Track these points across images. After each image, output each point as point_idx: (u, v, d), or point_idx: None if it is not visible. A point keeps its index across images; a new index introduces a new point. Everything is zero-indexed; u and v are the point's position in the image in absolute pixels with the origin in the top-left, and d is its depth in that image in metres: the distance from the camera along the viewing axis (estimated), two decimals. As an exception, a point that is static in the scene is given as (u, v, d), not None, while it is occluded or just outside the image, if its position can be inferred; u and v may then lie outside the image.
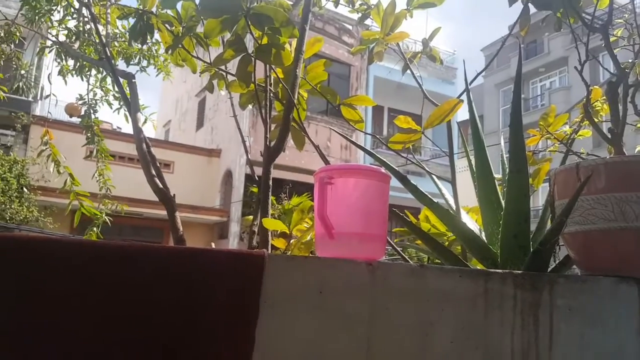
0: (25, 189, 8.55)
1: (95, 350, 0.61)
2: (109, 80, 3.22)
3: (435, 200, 1.23)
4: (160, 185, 1.54)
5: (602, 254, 0.98)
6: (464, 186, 1.56)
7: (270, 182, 1.44)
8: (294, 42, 1.49)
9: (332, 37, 13.43)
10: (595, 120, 1.69)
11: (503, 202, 1.21)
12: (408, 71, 1.93)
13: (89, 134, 3.20)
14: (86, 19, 2.81)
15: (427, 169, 1.65)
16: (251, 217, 1.73)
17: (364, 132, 1.83)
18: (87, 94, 3.25)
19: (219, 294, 0.67)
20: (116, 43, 2.97)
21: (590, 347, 0.87)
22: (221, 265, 0.69)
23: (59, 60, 3.03)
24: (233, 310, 0.68)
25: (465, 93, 1.42)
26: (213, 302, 0.67)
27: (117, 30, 2.93)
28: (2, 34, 3.05)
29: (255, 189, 1.70)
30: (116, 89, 3.17)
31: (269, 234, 1.42)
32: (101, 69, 3.07)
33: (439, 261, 1.40)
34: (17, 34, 3.11)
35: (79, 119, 3.31)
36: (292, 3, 1.82)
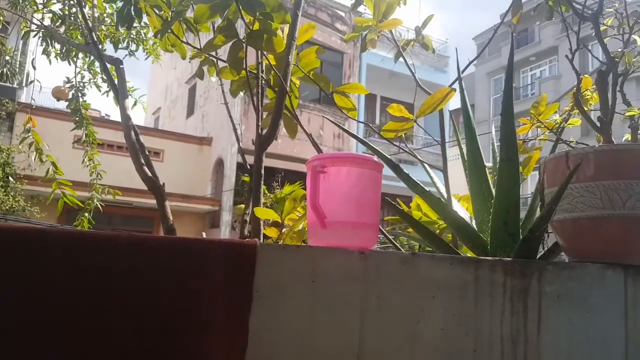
0: (10, 178, 8.42)
1: (86, 339, 0.61)
2: (97, 63, 3.16)
3: (426, 188, 1.24)
4: (149, 174, 1.53)
5: (590, 241, 0.99)
6: (455, 174, 1.57)
7: (262, 171, 1.44)
8: (286, 28, 1.47)
9: (324, 24, 13.31)
10: (585, 109, 1.71)
11: (494, 190, 1.22)
12: (401, 59, 1.92)
13: (76, 118, 3.15)
14: (72, 2, 2.74)
15: (419, 157, 1.65)
16: (243, 206, 1.72)
17: (356, 121, 1.83)
18: (75, 76, 3.19)
19: (211, 284, 0.67)
20: (103, 27, 2.90)
21: (577, 333, 0.89)
22: (212, 255, 0.69)
23: (44, 44, 2.96)
24: (226, 300, 0.68)
25: (457, 81, 1.42)
26: (205, 292, 0.67)
27: (104, 13, 2.87)
28: (-16, 19, 2.97)
29: (247, 178, 1.69)
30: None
31: (261, 223, 1.42)
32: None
33: (430, 249, 1.41)
34: (1, 18, 3.03)
35: (67, 102, 3.25)
36: (283, -11, 1.80)
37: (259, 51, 1.55)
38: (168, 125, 16.29)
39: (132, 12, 1.64)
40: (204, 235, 5.85)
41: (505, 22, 1.81)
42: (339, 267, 0.77)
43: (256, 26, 1.39)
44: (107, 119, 12.12)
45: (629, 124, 1.69)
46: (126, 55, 3.11)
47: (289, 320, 0.74)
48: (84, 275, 0.62)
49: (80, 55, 3.11)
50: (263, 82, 1.63)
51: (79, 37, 2.92)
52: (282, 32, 1.49)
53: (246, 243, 0.72)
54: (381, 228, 1.22)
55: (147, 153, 1.63)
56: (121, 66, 1.93)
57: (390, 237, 1.53)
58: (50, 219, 9.11)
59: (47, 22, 2.99)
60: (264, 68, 1.65)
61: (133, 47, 3.13)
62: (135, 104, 3.35)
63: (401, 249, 1.59)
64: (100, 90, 3.29)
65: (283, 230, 1.54)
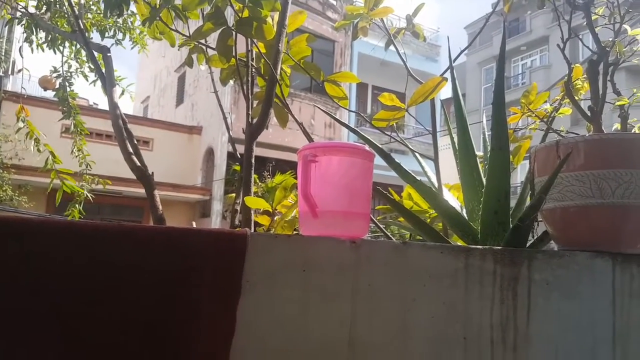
0: (-2, 167, 8.30)
1: (74, 327, 0.60)
2: (84, 52, 3.10)
3: (418, 178, 1.24)
4: (138, 163, 1.51)
5: (579, 229, 1.00)
6: (446, 164, 1.57)
7: (253, 160, 1.42)
8: (276, 15, 1.45)
9: (315, 12, 13.19)
10: (576, 98, 1.71)
11: (484, 180, 1.22)
12: (392, 48, 1.91)
13: (64, 108, 3.10)
14: (57, -12, 2.68)
15: (410, 147, 1.65)
16: (234, 195, 1.71)
17: (348, 110, 1.82)
18: (62, 66, 3.14)
19: (200, 274, 0.67)
20: (89, 15, 2.85)
21: (566, 320, 0.90)
22: (202, 245, 0.68)
23: (28, 32, 2.89)
24: (215, 290, 0.67)
25: (449, 71, 1.41)
26: (194, 282, 0.66)
27: (90, 1, 2.81)
28: (-34, 4, 2.89)
29: (237, 167, 1.68)
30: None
31: (252, 212, 1.41)
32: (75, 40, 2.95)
33: (421, 238, 1.42)
34: (-17, 4, 2.96)
35: (54, 92, 3.20)
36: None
37: (249, 39, 1.53)
38: (157, 114, 16.11)
39: (120, -2, 1.60)
40: (194, 224, 5.83)
41: (497, 11, 1.80)
42: (330, 256, 0.77)
43: (245, 13, 1.36)
44: (96, 108, 11.94)
45: (619, 113, 1.70)
46: (113, 44, 3.05)
47: (280, 309, 0.74)
48: (71, 265, 0.61)
49: (67, 44, 3.05)
50: (253, 70, 1.61)
51: (65, 25, 2.85)
52: (272, 19, 1.47)
53: (237, 233, 0.72)
54: (372, 217, 1.22)
55: (136, 142, 1.61)
56: (108, 54, 1.89)
57: (381, 226, 1.53)
58: (39, 209, 9.02)
59: (32, 9, 2.92)
60: (254, 56, 1.63)
61: (120, 36, 3.08)
62: (122, 93, 3.30)
63: (392, 238, 1.60)
64: (87, 80, 3.24)
65: (275, 218, 1.53)
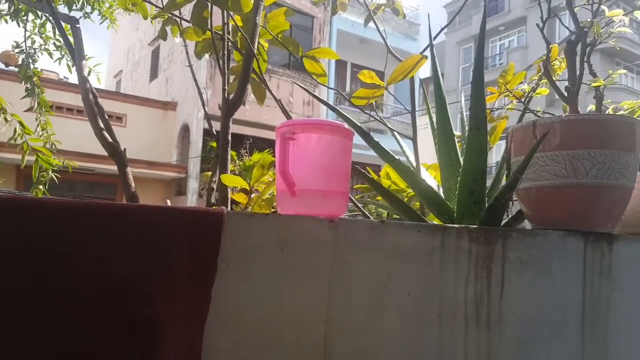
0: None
1: (43, 310, 0.58)
2: (49, 26, 2.93)
3: (396, 157, 1.23)
4: (110, 139, 1.46)
5: (553, 209, 1.02)
6: (424, 143, 1.57)
7: (230, 137, 1.39)
8: (254, -13, 1.40)
9: (293, -14, 12.88)
10: (553, 78, 1.73)
11: (461, 159, 1.23)
12: (371, 25, 1.88)
13: (28, 85, 2.94)
14: (20, -47, 2.51)
15: (389, 125, 1.64)
16: (210, 173, 1.68)
17: (327, 87, 1.79)
18: (25, 41, 2.96)
19: (175, 253, 0.65)
20: (56, -16, 2.69)
21: (538, 297, 0.92)
22: (177, 224, 0.66)
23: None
24: (190, 270, 0.66)
25: (428, 49, 1.40)
26: (168, 262, 0.64)
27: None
28: None
29: (214, 144, 1.64)
30: (57, 36, 2.90)
31: (229, 190, 1.39)
32: (40, 13, 2.79)
33: (398, 217, 1.43)
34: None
35: (17, 69, 3.03)
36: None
37: (225, 11, 1.47)
38: (130, 89, 15.63)
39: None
40: (169, 202, 5.75)
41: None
42: (308, 235, 0.76)
43: (222, -17, 1.31)
44: (66, 82, 11.47)
45: (594, 94, 1.72)
46: (81, 16, 2.90)
47: (257, 288, 0.73)
48: (37, 243, 0.59)
49: (31, 17, 2.87)
50: (229, 44, 1.56)
51: (29, -7, 2.68)
52: (250, -10, 1.41)
53: (212, 211, 0.70)
54: (351, 196, 1.22)
55: (108, 117, 1.55)
56: (77, 25, 1.80)
57: (359, 205, 1.53)
58: (8, 186, 8.71)
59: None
60: (230, 29, 1.58)
61: (88, 9, 2.92)
62: (89, 73, 3.15)
63: (370, 216, 1.60)
64: (52, 58, 3.05)
65: (252, 197, 1.51)
